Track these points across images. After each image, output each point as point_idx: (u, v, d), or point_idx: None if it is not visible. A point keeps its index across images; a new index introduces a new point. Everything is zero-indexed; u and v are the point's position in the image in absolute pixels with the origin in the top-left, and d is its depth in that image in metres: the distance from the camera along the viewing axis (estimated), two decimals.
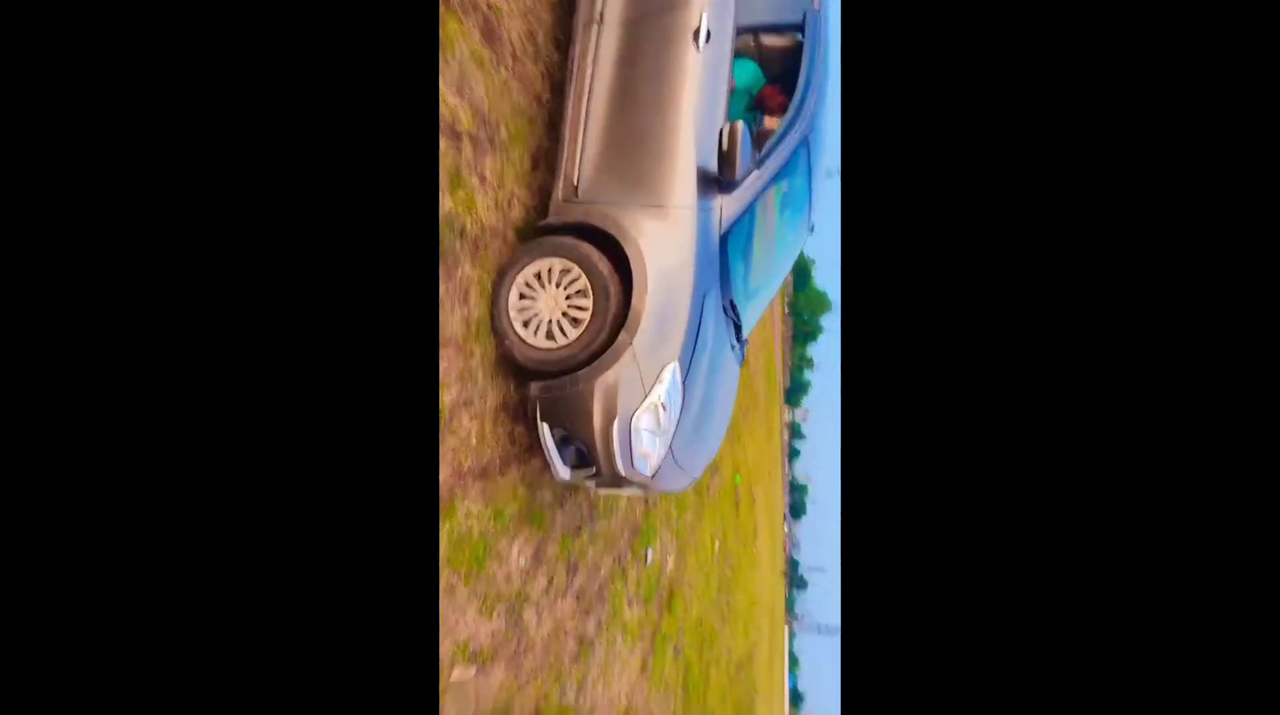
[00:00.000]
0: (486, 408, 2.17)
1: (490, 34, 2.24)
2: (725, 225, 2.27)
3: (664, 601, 4.33)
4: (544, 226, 2.25)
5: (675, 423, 2.27)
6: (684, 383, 2.23)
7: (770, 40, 2.79)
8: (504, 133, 2.29)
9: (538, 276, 2.14)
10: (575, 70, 2.30)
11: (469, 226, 2.10)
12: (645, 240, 2.09)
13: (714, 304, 2.31)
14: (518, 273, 2.14)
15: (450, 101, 2.02)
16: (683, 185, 2.15)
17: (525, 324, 2.14)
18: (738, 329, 2.68)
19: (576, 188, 2.20)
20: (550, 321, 2.12)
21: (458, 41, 2.07)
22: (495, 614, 2.19)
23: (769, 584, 13.54)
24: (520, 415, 2.30)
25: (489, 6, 2.23)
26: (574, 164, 2.22)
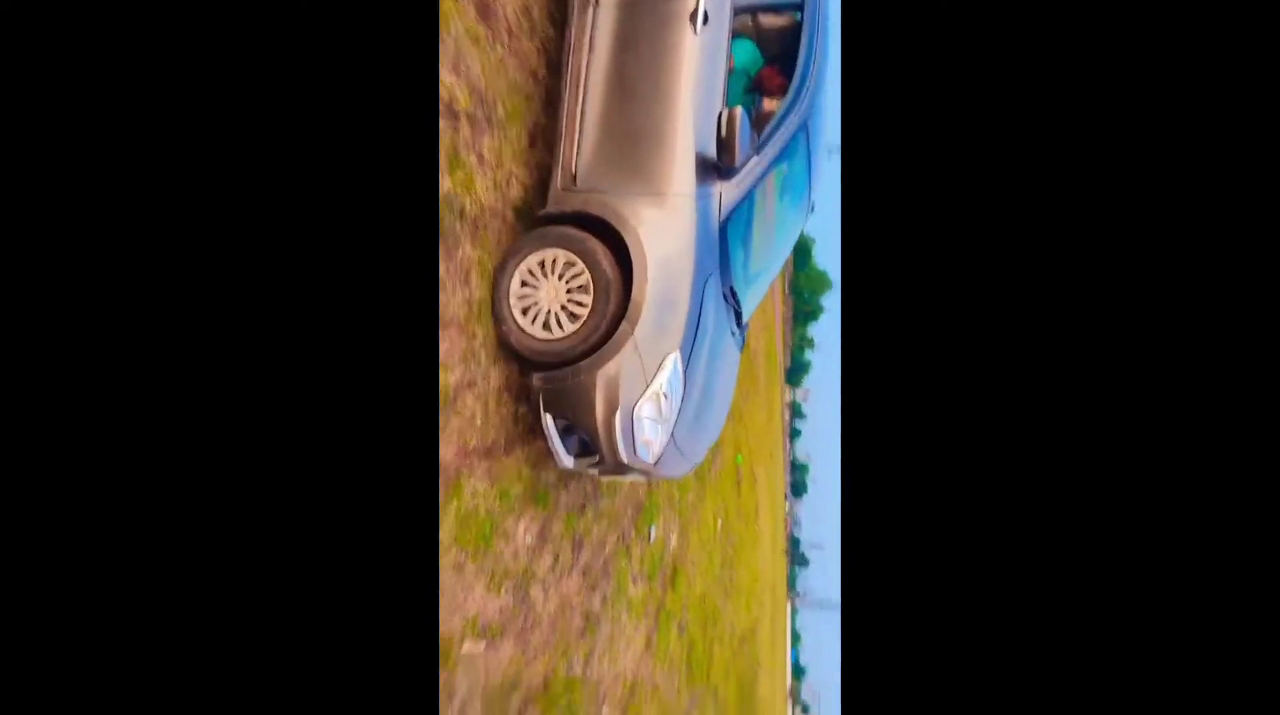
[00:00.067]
0: (490, 389, 2.18)
1: (485, 10, 2.21)
2: (725, 212, 2.26)
3: (667, 578, 4.39)
4: (543, 216, 2.23)
5: (677, 411, 2.28)
6: (685, 371, 2.23)
7: (768, 20, 2.75)
8: (501, 111, 2.27)
9: (540, 265, 2.14)
10: (571, 54, 2.27)
11: (468, 207, 2.09)
12: (645, 229, 2.08)
13: (714, 291, 2.31)
14: (518, 263, 2.14)
15: (446, 80, 2.00)
16: (682, 172, 2.13)
17: (525, 312, 2.14)
18: (737, 315, 2.68)
19: (575, 176, 2.18)
20: (551, 312, 2.12)
21: (453, 19, 2.04)
22: (503, 590, 2.22)
23: (771, 561, 13.70)
24: (523, 397, 2.32)
25: None
26: (572, 152, 2.20)
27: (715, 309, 2.35)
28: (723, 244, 2.30)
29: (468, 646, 2.03)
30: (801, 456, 44.63)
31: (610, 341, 2.06)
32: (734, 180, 2.26)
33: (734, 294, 2.54)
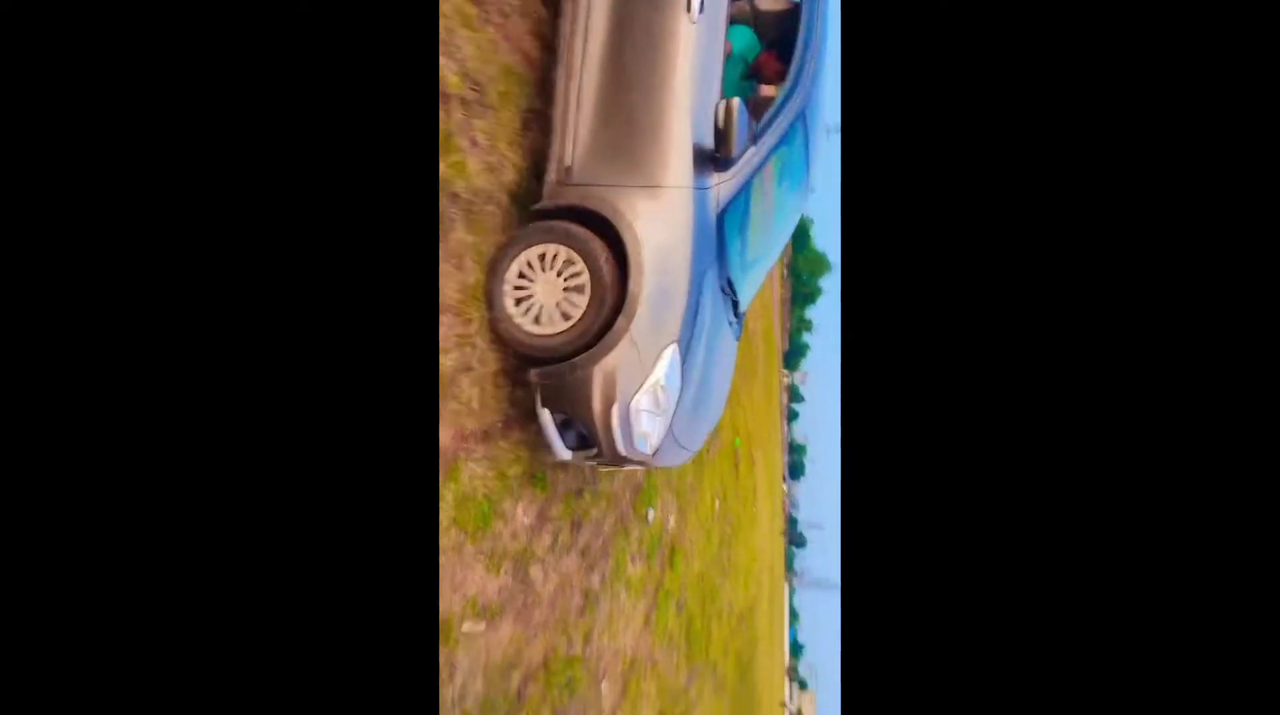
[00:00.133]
0: (486, 372, 2.20)
1: None
2: (722, 203, 2.24)
3: (666, 558, 4.45)
4: (538, 210, 2.21)
5: (675, 403, 2.29)
6: (683, 363, 2.24)
7: (766, 5, 2.71)
8: (493, 94, 2.25)
9: (538, 259, 2.12)
10: (565, 45, 2.23)
11: (462, 191, 2.08)
12: (641, 223, 2.06)
13: (712, 283, 2.30)
14: (513, 258, 2.12)
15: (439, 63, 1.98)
16: (678, 165, 2.11)
17: (521, 307, 2.13)
18: (734, 304, 2.69)
19: (570, 169, 2.16)
20: (547, 307, 2.12)
21: None
22: (502, 570, 2.26)
23: (769, 542, 13.85)
24: (520, 380, 2.33)
25: None
26: (566, 144, 2.17)
27: (713, 300, 2.35)
28: (720, 234, 2.29)
29: (468, 625, 2.07)
30: (799, 438, 44.88)
31: (607, 336, 2.06)
32: (731, 171, 2.25)
33: (731, 285, 2.53)
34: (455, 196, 2.05)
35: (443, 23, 2.01)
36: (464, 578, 2.05)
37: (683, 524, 5.01)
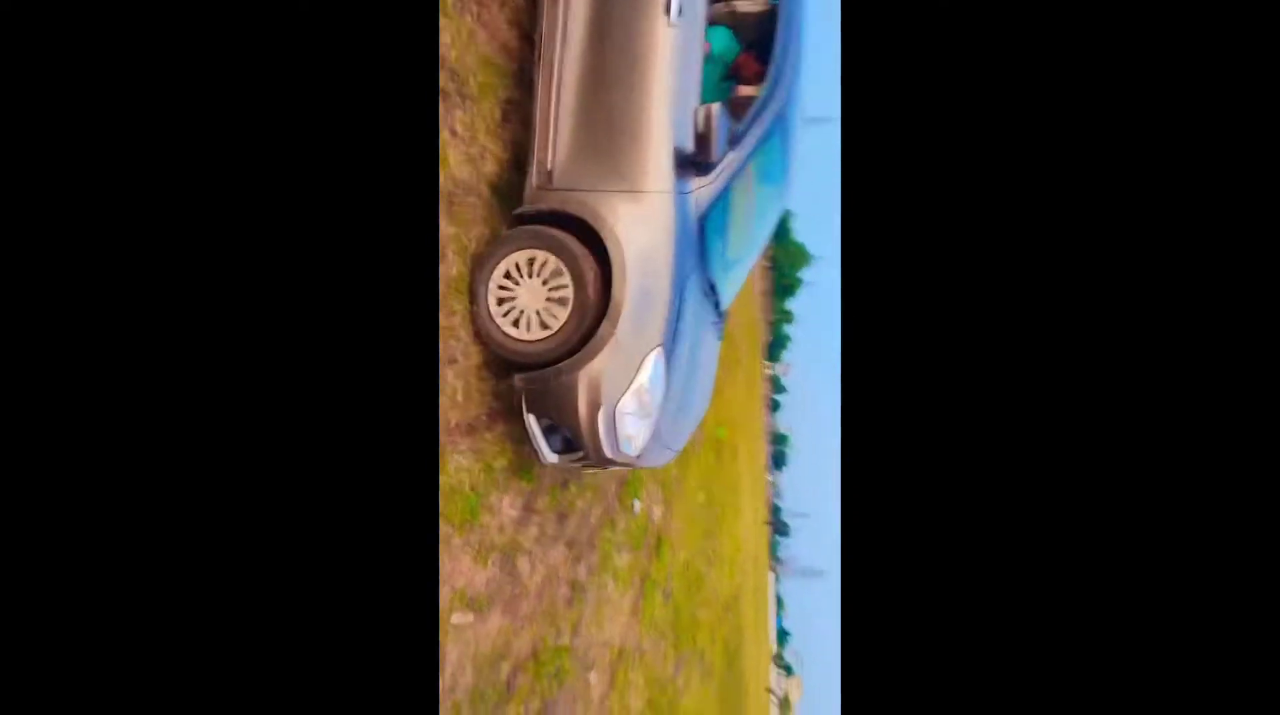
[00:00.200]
0: (470, 365, 2.19)
1: None
2: (703, 207, 2.26)
3: (652, 548, 4.49)
4: (520, 214, 2.21)
5: (659, 405, 2.31)
6: (667, 366, 2.26)
7: (744, 6, 2.72)
8: (473, 85, 2.24)
9: (523, 265, 2.13)
10: (544, 49, 2.23)
11: (443, 182, 2.07)
12: (623, 227, 2.08)
13: (694, 286, 2.32)
14: (501, 258, 2.13)
15: None
16: (659, 169, 2.12)
17: (504, 313, 2.14)
18: (715, 304, 2.71)
19: (551, 173, 2.16)
20: (528, 313, 2.13)
21: None
22: (490, 562, 2.27)
23: (753, 531, 14.00)
24: (504, 373, 2.33)
25: None
26: (547, 149, 2.17)
27: (695, 302, 2.37)
28: (701, 237, 2.31)
29: (457, 617, 2.07)
30: (782, 428, 45.31)
31: (592, 342, 2.08)
32: (712, 175, 2.26)
33: (713, 286, 2.55)
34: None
35: None
36: (452, 569, 2.06)
37: (668, 515, 5.05)
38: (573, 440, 2.24)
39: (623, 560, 3.83)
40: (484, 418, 2.27)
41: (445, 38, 2.10)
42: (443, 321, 2.06)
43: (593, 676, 3.20)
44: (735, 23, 2.77)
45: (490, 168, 2.32)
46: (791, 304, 42.43)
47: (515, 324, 2.13)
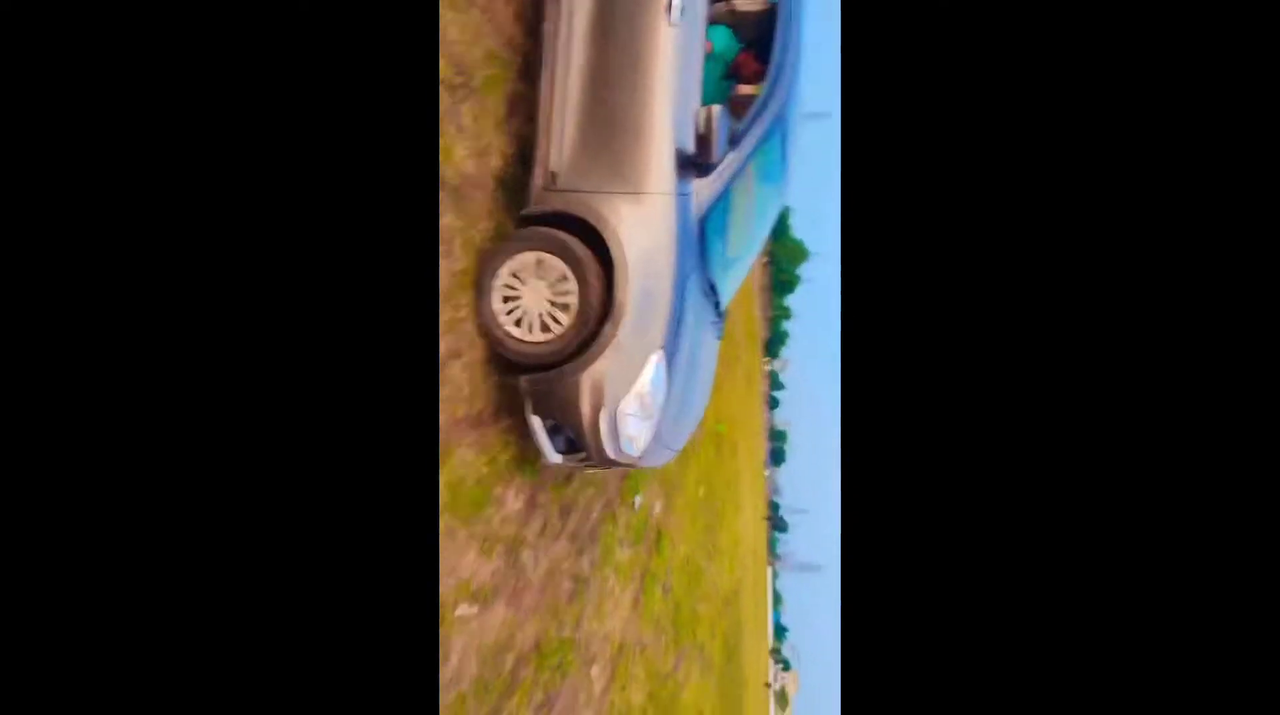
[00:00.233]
0: (476, 359, 2.20)
1: None
2: (703, 207, 2.28)
3: (652, 543, 4.51)
4: (525, 216, 2.23)
5: (661, 406, 2.34)
6: (668, 366, 2.28)
7: (744, 5, 2.73)
8: (479, 79, 2.24)
9: (538, 264, 2.14)
10: (548, 49, 2.24)
11: (449, 176, 2.08)
12: (625, 228, 2.10)
13: (695, 286, 2.34)
14: (509, 256, 2.14)
15: None
16: (661, 170, 2.14)
17: (506, 302, 2.15)
18: (715, 304, 2.72)
19: (555, 175, 2.18)
20: (530, 315, 2.15)
21: None
22: (494, 555, 2.28)
23: (752, 526, 14.04)
24: (509, 367, 2.34)
25: None
26: (551, 149, 2.19)
27: (696, 303, 2.39)
28: (701, 238, 2.33)
29: (462, 609, 2.09)
30: (781, 425, 45.38)
31: (595, 343, 2.10)
32: (712, 176, 2.28)
33: (713, 286, 2.57)
34: (443, 182, 2.04)
35: None
36: (457, 562, 2.07)
37: (668, 510, 5.07)
38: (576, 441, 2.26)
39: (624, 554, 3.85)
40: (489, 411, 2.28)
41: (453, 32, 2.10)
42: (449, 314, 2.07)
43: (594, 670, 3.23)
44: (735, 21, 2.77)
45: (496, 162, 2.32)
46: (790, 300, 42.44)
47: (518, 324, 2.15)
